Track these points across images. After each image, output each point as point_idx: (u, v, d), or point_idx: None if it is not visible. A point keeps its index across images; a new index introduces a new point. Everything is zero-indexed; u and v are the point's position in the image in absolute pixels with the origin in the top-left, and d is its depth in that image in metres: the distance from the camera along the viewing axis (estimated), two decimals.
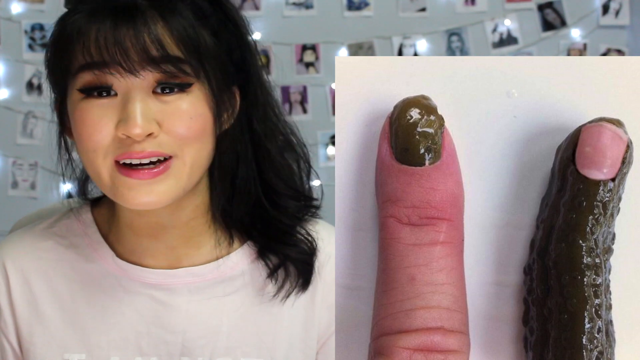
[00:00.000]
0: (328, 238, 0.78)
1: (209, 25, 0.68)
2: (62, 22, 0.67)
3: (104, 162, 0.65)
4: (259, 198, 0.74)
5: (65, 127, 0.72)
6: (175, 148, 0.65)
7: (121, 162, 0.65)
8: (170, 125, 0.65)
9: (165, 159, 0.66)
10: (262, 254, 0.76)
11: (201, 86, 0.67)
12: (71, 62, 0.65)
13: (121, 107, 0.64)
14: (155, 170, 0.65)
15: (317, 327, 0.77)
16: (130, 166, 0.65)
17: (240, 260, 0.76)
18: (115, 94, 0.65)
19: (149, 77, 0.64)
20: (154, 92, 0.65)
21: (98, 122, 0.64)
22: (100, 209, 0.78)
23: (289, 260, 0.75)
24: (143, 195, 0.65)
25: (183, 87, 0.65)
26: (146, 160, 0.65)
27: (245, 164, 0.73)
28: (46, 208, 0.88)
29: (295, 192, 0.77)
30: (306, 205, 0.78)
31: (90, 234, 0.76)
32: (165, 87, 0.65)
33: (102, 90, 0.65)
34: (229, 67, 0.69)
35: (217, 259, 0.75)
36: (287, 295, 0.75)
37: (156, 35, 0.64)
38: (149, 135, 0.64)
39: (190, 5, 0.67)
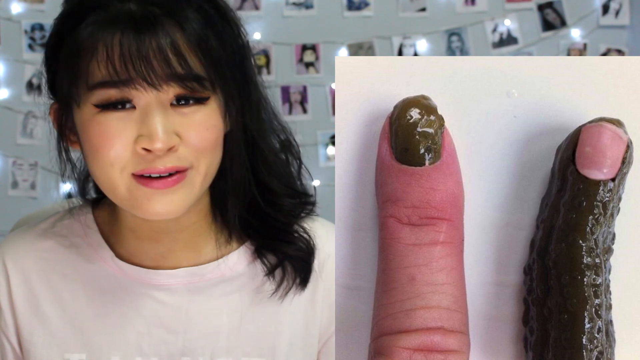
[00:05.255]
0: (326, 236, 0.78)
1: (215, 29, 0.67)
2: (72, 31, 0.65)
3: (121, 176, 0.65)
4: (254, 197, 0.74)
5: (64, 135, 0.71)
6: (192, 159, 0.65)
7: (139, 174, 0.65)
8: (188, 138, 0.65)
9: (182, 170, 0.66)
10: (259, 253, 0.76)
11: (215, 97, 0.67)
12: (89, 74, 0.63)
13: (140, 121, 0.63)
14: (172, 179, 0.65)
15: (318, 326, 0.77)
16: (149, 177, 0.65)
17: (239, 260, 0.76)
18: (133, 107, 0.64)
19: (169, 91, 0.63)
20: (172, 104, 0.64)
21: (117, 136, 0.63)
22: (100, 210, 0.78)
23: (286, 258, 0.75)
24: (161, 205, 0.65)
25: (202, 101, 0.65)
26: (165, 173, 0.65)
27: (239, 164, 0.73)
28: (46, 208, 0.88)
29: (290, 190, 0.77)
30: (302, 203, 0.78)
31: (90, 235, 0.76)
32: (181, 99, 0.65)
33: (119, 104, 0.64)
34: (236, 72, 0.69)
35: (217, 259, 0.75)
36: (286, 294, 0.75)
37: (179, 50, 0.63)
38: (170, 149, 0.64)
39: (198, 10, 0.66)
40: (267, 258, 0.75)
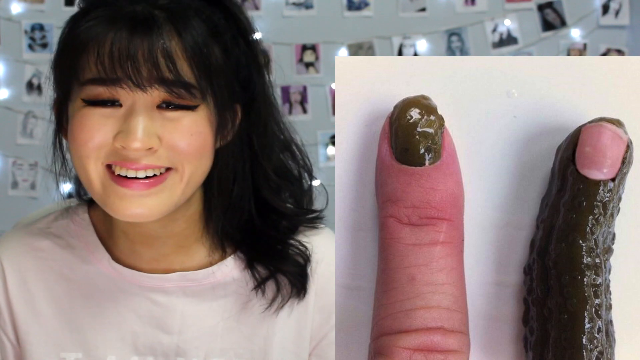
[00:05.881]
0: (318, 242, 0.77)
1: (221, 41, 0.67)
2: (74, 25, 0.66)
3: (95, 167, 0.65)
4: (252, 213, 0.74)
5: (62, 127, 0.71)
6: (174, 161, 0.65)
7: (116, 174, 0.65)
8: (170, 140, 0.64)
9: (161, 173, 0.65)
10: (250, 265, 0.75)
11: (206, 106, 0.66)
12: (81, 69, 0.64)
13: (123, 119, 0.63)
14: (148, 182, 0.64)
15: (309, 329, 0.77)
16: (125, 177, 0.64)
17: (234, 266, 0.76)
18: (120, 105, 0.64)
19: (156, 93, 0.63)
20: (158, 107, 0.64)
21: (97, 129, 0.64)
22: (96, 210, 0.78)
23: (279, 272, 0.75)
24: (134, 207, 0.65)
25: (189, 108, 0.65)
26: (142, 174, 0.64)
27: (242, 180, 0.72)
28: (47, 208, 0.88)
29: (294, 209, 0.77)
30: (307, 219, 0.78)
31: (86, 236, 0.76)
32: (169, 105, 0.64)
33: (107, 102, 0.64)
34: (235, 86, 0.69)
35: (211, 264, 0.75)
36: (281, 307, 0.75)
37: (169, 55, 0.63)
38: (148, 150, 0.63)
39: (205, 21, 0.66)
40: (258, 271, 0.75)
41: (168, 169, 0.66)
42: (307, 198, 0.79)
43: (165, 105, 0.64)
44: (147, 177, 0.65)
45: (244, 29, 0.70)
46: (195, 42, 0.64)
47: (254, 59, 0.71)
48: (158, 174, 0.65)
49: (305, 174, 0.79)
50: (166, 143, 0.64)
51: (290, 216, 0.76)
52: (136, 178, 0.64)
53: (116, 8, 0.64)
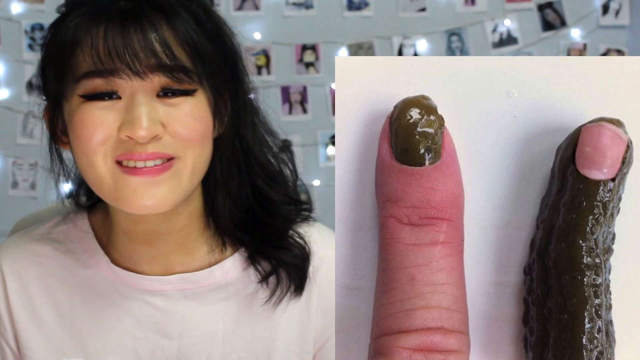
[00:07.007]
0: (321, 241, 0.77)
1: (205, 31, 0.68)
2: (59, 26, 0.66)
3: (105, 163, 0.65)
4: (251, 204, 0.74)
5: (56, 136, 0.71)
6: (178, 149, 0.65)
7: (124, 165, 0.65)
8: (174, 127, 0.65)
9: (168, 160, 0.65)
10: (253, 259, 0.75)
11: (203, 91, 0.67)
12: (75, 65, 0.64)
13: (125, 110, 0.64)
14: (157, 168, 0.65)
15: (313, 331, 0.77)
16: (134, 167, 0.64)
17: (233, 267, 0.76)
18: (119, 97, 0.64)
19: (155, 80, 0.64)
20: (158, 95, 0.65)
21: (100, 124, 0.64)
22: (95, 215, 0.78)
23: (281, 265, 0.75)
24: (145, 199, 0.64)
25: (188, 93, 0.65)
26: (151, 163, 0.64)
27: (238, 171, 0.73)
28: (46, 208, 0.88)
29: (286, 197, 0.77)
30: (298, 210, 0.78)
31: (86, 240, 0.76)
32: (168, 92, 0.65)
33: (105, 95, 0.64)
34: (225, 73, 0.70)
35: (210, 265, 0.75)
36: (280, 301, 0.75)
37: (164, 40, 0.64)
38: (154, 137, 0.64)
39: (188, 10, 0.67)
40: (261, 265, 0.75)
41: (173, 159, 0.66)
42: (294, 189, 0.80)
43: (164, 93, 0.65)
44: (155, 165, 0.65)
45: (218, 20, 0.71)
46: (185, 29, 0.65)
47: (235, 50, 0.72)
48: (166, 161, 0.65)
49: (290, 169, 0.79)
50: (170, 129, 0.65)
51: (284, 206, 0.76)
52: (145, 167, 0.64)
53: (100, 5, 0.64)
